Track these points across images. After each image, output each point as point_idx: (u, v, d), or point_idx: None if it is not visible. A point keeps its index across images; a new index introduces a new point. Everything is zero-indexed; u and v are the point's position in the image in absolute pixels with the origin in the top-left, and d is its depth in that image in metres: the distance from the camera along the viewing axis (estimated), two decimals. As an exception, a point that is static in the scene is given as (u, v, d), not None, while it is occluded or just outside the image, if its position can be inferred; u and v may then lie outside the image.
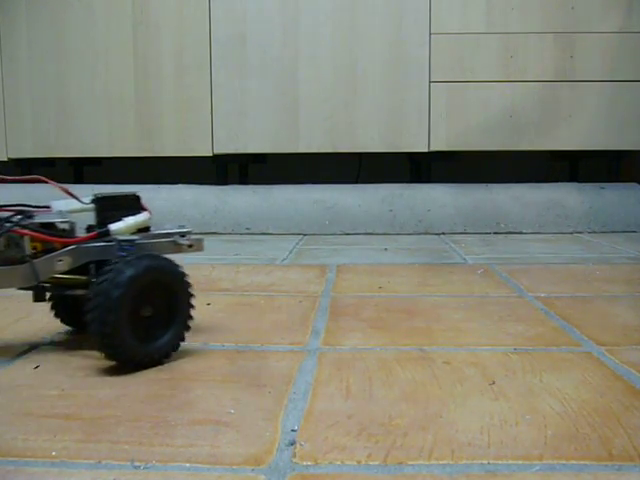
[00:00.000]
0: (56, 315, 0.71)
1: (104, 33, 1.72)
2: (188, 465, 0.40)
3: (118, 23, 1.71)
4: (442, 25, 1.68)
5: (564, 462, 0.40)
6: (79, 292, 0.63)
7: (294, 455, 0.41)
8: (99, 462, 0.41)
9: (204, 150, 1.73)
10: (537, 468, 0.40)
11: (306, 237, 1.55)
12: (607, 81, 1.68)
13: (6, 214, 0.60)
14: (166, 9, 1.70)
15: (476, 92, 1.69)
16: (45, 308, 0.81)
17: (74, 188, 1.94)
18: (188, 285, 0.62)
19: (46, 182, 0.67)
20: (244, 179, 1.90)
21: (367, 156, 2.00)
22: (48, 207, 0.65)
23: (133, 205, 0.67)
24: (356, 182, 1.82)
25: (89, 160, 1.90)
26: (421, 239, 1.52)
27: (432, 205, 1.65)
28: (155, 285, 0.60)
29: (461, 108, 1.69)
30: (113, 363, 0.59)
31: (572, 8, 1.66)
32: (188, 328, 0.63)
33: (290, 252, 1.30)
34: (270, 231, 1.61)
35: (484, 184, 1.72)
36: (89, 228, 0.65)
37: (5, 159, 1.77)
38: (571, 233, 1.60)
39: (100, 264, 0.61)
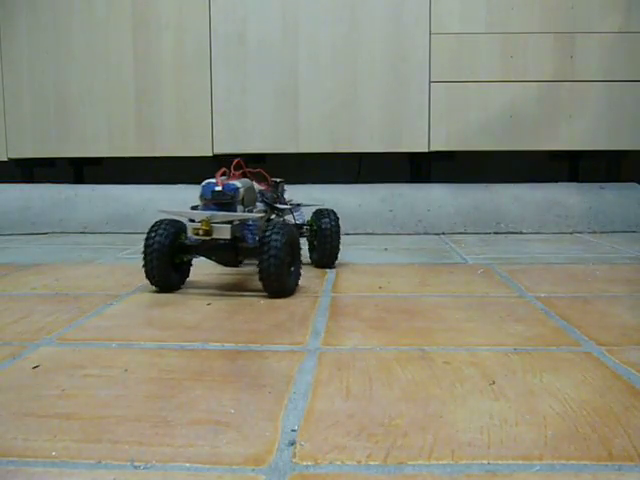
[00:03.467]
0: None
1: (104, 33, 1.72)
2: (188, 465, 0.40)
3: (118, 23, 1.72)
4: (442, 25, 1.68)
5: (564, 462, 0.40)
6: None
7: (294, 455, 0.41)
8: (99, 462, 0.41)
9: (204, 150, 1.73)
10: (537, 468, 0.40)
11: (306, 237, 1.55)
12: (607, 81, 1.68)
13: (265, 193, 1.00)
14: (166, 9, 1.70)
15: (476, 92, 1.69)
16: (45, 308, 0.81)
17: (75, 188, 1.92)
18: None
19: (265, 175, 1.02)
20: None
21: (367, 156, 2.00)
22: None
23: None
24: (356, 182, 1.82)
25: (89, 160, 1.90)
26: (421, 239, 1.52)
27: (432, 205, 1.65)
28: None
29: (461, 108, 1.69)
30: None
31: (572, 8, 1.66)
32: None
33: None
34: (270, 231, 1.61)
35: (484, 184, 1.72)
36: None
37: (5, 159, 1.77)
38: (571, 233, 1.60)
39: None
